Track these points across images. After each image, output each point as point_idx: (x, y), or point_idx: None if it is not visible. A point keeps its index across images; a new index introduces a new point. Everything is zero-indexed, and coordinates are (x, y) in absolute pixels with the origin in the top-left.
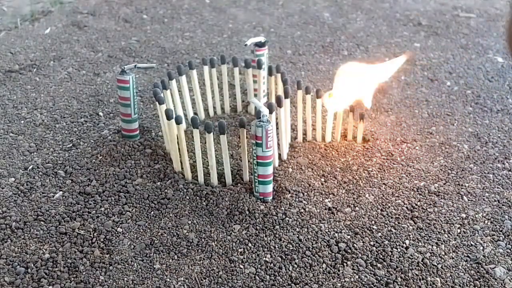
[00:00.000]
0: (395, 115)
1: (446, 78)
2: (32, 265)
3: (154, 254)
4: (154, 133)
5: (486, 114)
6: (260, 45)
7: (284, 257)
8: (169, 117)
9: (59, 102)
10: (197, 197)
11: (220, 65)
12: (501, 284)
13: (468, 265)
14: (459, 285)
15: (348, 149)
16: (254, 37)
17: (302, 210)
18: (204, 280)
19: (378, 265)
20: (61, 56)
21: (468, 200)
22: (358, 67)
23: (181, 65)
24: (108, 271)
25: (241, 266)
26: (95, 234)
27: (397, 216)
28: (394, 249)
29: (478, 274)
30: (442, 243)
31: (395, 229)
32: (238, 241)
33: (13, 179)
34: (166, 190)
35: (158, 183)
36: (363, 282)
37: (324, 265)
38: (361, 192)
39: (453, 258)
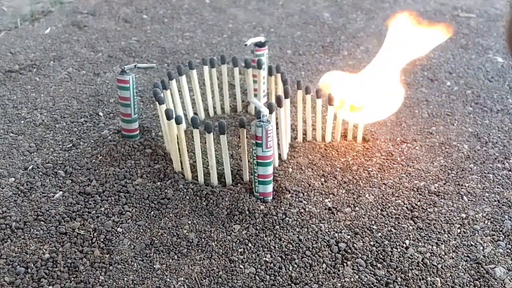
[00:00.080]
0: (395, 115)
1: (446, 78)
2: (32, 265)
3: (154, 254)
4: (154, 133)
5: (486, 114)
6: (260, 45)
7: (284, 257)
8: (169, 117)
9: (59, 102)
10: (197, 197)
11: (220, 65)
12: (501, 284)
13: (468, 265)
14: (459, 285)
15: (348, 149)
16: (254, 37)
17: (302, 210)
18: (204, 280)
19: (378, 265)
20: (61, 56)
21: (468, 200)
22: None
23: (181, 65)
24: (108, 271)
25: (241, 266)
26: (95, 234)
27: (397, 216)
28: (394, 249)
29: (478, 274)
30: (442, 243)
31: (395, 229)
32: (238, 241)
33: (13, 179)
34: (166, 190)
35: (158, 183)
36: (363, 282)
37: (324, 265)
38: (361, 192)
39: (453, 258)
